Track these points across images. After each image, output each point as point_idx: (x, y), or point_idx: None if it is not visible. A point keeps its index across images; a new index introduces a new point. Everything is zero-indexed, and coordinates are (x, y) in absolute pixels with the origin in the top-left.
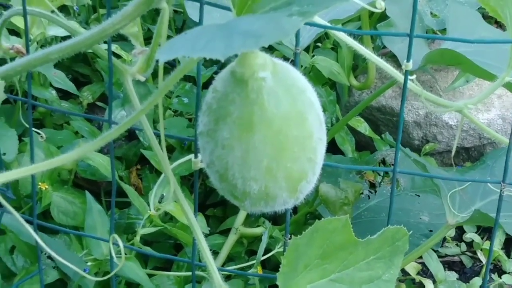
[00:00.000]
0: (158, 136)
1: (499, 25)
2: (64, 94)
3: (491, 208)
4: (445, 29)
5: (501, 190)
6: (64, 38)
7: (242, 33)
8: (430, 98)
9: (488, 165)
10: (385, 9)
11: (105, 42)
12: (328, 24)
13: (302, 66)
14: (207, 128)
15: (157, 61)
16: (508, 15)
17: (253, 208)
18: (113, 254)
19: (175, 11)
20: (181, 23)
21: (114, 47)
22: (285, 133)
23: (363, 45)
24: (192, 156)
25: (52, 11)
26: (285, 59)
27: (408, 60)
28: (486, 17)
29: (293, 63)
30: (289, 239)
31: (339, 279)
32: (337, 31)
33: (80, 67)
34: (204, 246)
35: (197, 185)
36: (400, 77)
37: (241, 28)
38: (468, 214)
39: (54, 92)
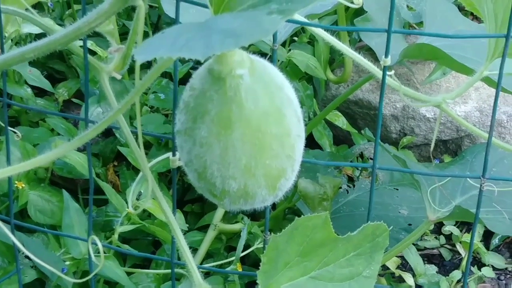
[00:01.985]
0: (135, 133)
1: (475, 17)
2: (39, 91)
3: (472, 203)
4: (421, 22)
5: (481, 185)
6: (39, 36)
7: (221, 32)
8: (409, 93)
9: (468, 160)
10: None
11: (80, 39)
12: (305, 20)
13: (278, 60)
14: (184, 126)
15: (134, 59)
16: (486, 9)
17: (233, 206)
18: (92, 255)
19: (150, 6)
20: (156, 18)
21: (89, 44)
22: (264, 131)
23: (339, 39)
24: (170, 154)
25: (27, 9)
26: (262, 54)
27: (386, 56)
28: (462, 10)
29: (271, 59)
30: (269, 235)
31: (319, 276)
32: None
33: (55, 63)
34: (183, 244)
35: (175, 183)
36: (378, 72)
37: (220, 27)
38: (449, 209)
39: (29, 89)
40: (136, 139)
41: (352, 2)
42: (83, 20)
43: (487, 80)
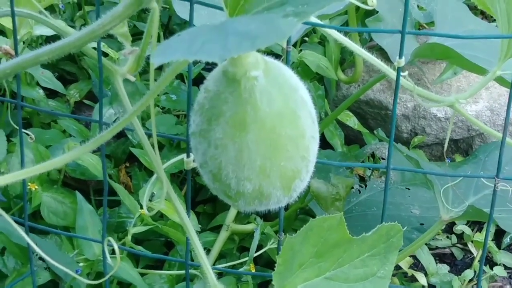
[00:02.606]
0: (148, 135)
1: (485, 16)
2: (51, 93)
3: (485, 203)
4: (432, 22)
5: (495, 185)
6: (51, 37)
7: (237, 34)
8: (422, 94)
9: (481, 159)
10: None
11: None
12: (317, 20)
13: (291, 63)
14: (199, 128)
15: (147, 59)
16: (498, 9)
17: (247, 207)
18: (107, 256)
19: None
20: (166, 19)
21: (102, 45)
22: (279, 132)
23: (350, 39)
24: (184, 155)
25: (40, 12)
26: (274, 55)
27: (400, 57)
28: (472, 9)
29: (283, 60)
30: (283, 236)
31: (334, 277)
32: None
33: (67, 65)
34: (198, 245)
35: (189, 185)
36: (391, 72)
37: (236, 29)
38: (462, 209)
39: (41, 91)
40: (150, 140)
41: (365, 3)
42: (97, 23)
43: (499, 80)
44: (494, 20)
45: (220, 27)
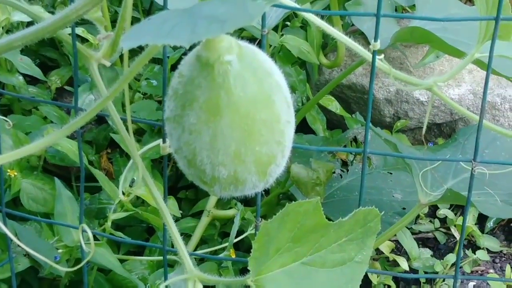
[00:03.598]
0: (126, 120)
1: (469, 0)
2: (32, 79)
3: (464, 186)
4: (414, 6)
5: (472, 169)
6: (30, 23)
7: (206, 18)
8: (400, 77)
9: (460, 142)
10: None
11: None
12: (296, 5)
13: (271, 46)
14: (173, 113)
15: None
16: None
17: (223, 193)
18: (83, 243)
19: None
20: (148, 5)
21: (81, 31)
22: (253, 117)
23: (332, 24)
24: (160, 141)
25: None
26: (254, 39)
27: (375, 40)
28: None
29: (260, 44)
30: (261, 221)
31: (311, 262)
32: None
33: (48, 51)
34: (174, 231)
35: (166, 170)
36: (369, 56)
37: (205, 13)
38: (441, 192)
39: (21, 77)
40: (127, 126)
41: None
42: (71, 7)
43: (479, 63)
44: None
45: (190, 11)
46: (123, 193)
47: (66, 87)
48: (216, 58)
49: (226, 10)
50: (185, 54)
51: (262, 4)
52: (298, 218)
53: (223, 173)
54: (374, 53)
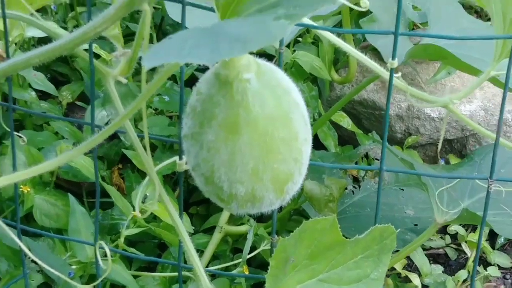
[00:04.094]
0: (140, 137)
1: (479, 15)
2: (43, 94)
3: (479, 206)
4: (426, 22)
5: (488, 187)
6: (43, 39)
7: (228, 37)
8: (416, 94)
9: (476, 162)
10: None
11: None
12: (309, 21)
13: (283, 61)
14: (191, 131)
15: (139, 62)
16: (494, 8)
17: (240, 210)
18: (99, 259)
19: (153, 7)
20: (159, 20)
21: (94, 47)
22: (271, 135)
23: (344, 40)
24: (176, 158)
25: (31, 14)
26: (267, 55)
27: (393, 58)
28: (466, 8)
29: (276, 61)
30: (276, 238)
31: (327, 279)
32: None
33: (59, 66)
34: (190, 248)
35: (181, 188)
36: (384, 73)
37: (227, 32)
38: (457, 212)
39: (33, 93)
40: (142, 142)
41: (358, 4)
42: (89, 25)
43: (494, 81)
44: (488, 19)
45: (211, 30)
46: (137, 210)
47: (77, 102)
48: (234, 76)
49: (248, 30)
50: (197, 70)
51: (284, 24)
52: (315, 235)
53: (240, 190)
54: (392, 71)
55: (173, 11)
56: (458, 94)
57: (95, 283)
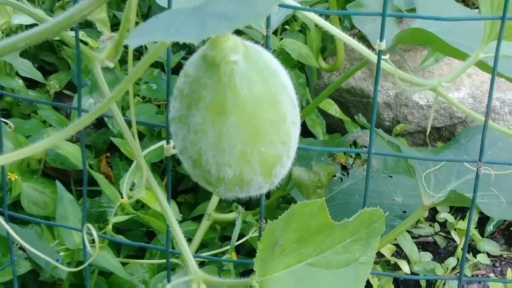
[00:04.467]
0: (128, 122)
1: (466, 4)
2: (30, 83)
3: (467, 188)
4: (413, 9)
5: (477, 169)
6: (30, 26)
7: (215, 15)
8: (404, 77)
9: (462, 144)
10: None
11: (72, 29)
12: (299, 5)
13: (270, 49)
14: (179, 113)
15: (125, 47)
16: None
17: (228, 194)
18: (87, 244)
19: None
20: (146, 9)
21: (81, 34)
22: (259, 117)
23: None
24: (164, 142)
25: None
26: (254, 42)
27: (381, 40)
28: None
29: (264, 46)
30: (264, 223)
31: (316, 263)
32: (307, 12)
33: (46, 55)
34: (179, 233)
35: (169, 172)
36: (373, 57)
37: (213, 10)
38: (444, 194)
39: (21, 81)
40: (130, 128)
41: None
42: (75, 7)
43: (481, 65)
44: (476, 7)
45: (198, 9)
46: (125, 196)
47: (65, 91)
48: (222, 58)
49: (235, 7)
50: (184, 58)
51: (270, 1)
52: (303, 218)
53: (228, 173)
54: (379, 53)
55: None
56: (446, 77)
57: (81, 267)
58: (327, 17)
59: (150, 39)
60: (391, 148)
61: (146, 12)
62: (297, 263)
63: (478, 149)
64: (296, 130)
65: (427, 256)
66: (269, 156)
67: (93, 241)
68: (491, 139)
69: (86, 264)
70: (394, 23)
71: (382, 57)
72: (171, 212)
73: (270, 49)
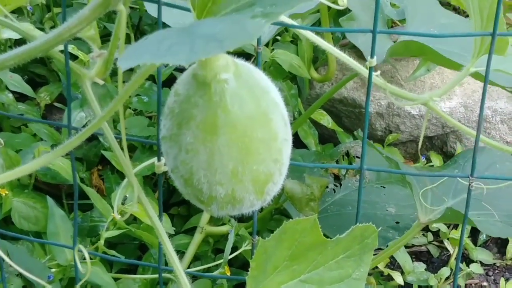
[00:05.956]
0: (119, 138)
1: (457, 11)
2: (20, 96)
3: (463, 206)
4: (404, 20)
5: (469, 184)
6: (19, 40)
7: (204, 37)
8: (395, 92)
9: (460, 164)
10: None
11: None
12: (289, 20)
13: (262, 60)
14: (170, 132)
15: (115, 63)
16: (471, 5)
17: (220, 212)
18: (78, 263)
19: (131, 7)
20: (137, 20)
21: (71, 48)
22: (250, 135)
23: (323, 38)
24: (155, 159)
25: (6, 16)
26: (246, 54)
27: (372, 57)
28: (444, 4)
29: (255, 61)
30: (257, 238)
31: (309, 280)
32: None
33: (36, 67)
34: (170, 249)
35: (161, 189)
36: (364, 71)
37: (203, 32)
38: (440, 212)
39: (10, 95)
40: (120, 144)
41: (336, 3)
42: (64, 26)
43: (475, 75)
44: (467, 16)
45: (187, 30)
46: (116, 212)
47: (56, 104)
48: (212, 77)
49: (224, 29)
50: (176, 70)
51: (261, 23)
52: (296, 236)
53: (220, 192)
54: (371, 69)
55: (153, 10)
56: (438, 91)
57: (77, 286)
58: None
59: (140, 61)
60: (383, 160)
61: (137, 23)
62: (290, 280)
63: (476, 169)
64: (288, 147)
65: (421, 266)
66: (261, 174)
67: (84, 257)
68: (489, 161)
69: (79, 285)
70: (386, 36)
71: (374, 73)
72: (163, 229)
73: (261, 64)
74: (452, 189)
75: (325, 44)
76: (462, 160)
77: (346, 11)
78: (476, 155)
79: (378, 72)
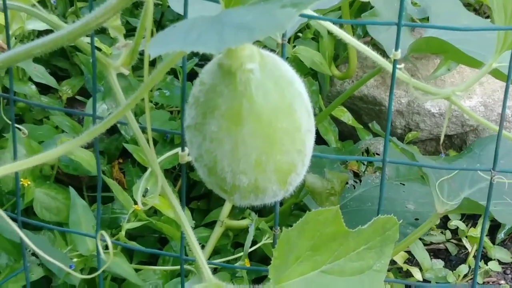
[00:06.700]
0: (142, 129)
1: (477, 12)
2: (43, 89)
3: (480, 196)
4: (426, 18)
5: (491, 178)
6: (43, 32)
7: (234, 26)
8: (418, 86)
9: (476, 153)
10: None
11: (87, 36)
12: (315, 14)
13: (283, 57)
14: (194, 121)
15: (140, 54)
16: (495, 1)
17: (243, 201)
18: (101, 251)
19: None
20: (159, 16)
21: (95, 40)
22: (274, 126)
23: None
24: (178, 149)
25: (33, 5)
26: (268, 49)
27: (396, 49)
28: (465, 5)
29: (279, 54)
30: (278, 230)
31: (330, 270)
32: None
33: (59, 61)
34: (193, 240)
35: (184, 179)
36: (387, 65)
37: (232, 20)
38: (457, 202)
39: (33, 86)
40: (144, 134)
41: None
42: (91, 15)
43: (495, 73)
44: (487, 17)
45: (216, 19)
46: (139, 202)
47: (78, 97)
48: (238, 66)
49: (254, 18)
50: (197, 65)
51: (291, 12)
52: (318, 226)
53: (243, 181)
54: (395, 62)
55: (176, 5)
56: (460, 86)
57: (95, 274)
58: (340, 26)
59: (169, 49)
60: (403, 156)
61: (159, 19)
62: (312, 270)
63: (491, 158)
64: (311, 138)
65: (439, 263)
66: (284, 164)
67: (106, 248)
68: (504, 149)
69: (100, 271)
70: (408, 32)
71: (397, 66)
72: (186, 219)
73: (286, 57)
74: (468, 179)
75: (348, 37)
76: (477, 149)
77: (367, 8)
78: (498, 149)
79: (402, 66)
